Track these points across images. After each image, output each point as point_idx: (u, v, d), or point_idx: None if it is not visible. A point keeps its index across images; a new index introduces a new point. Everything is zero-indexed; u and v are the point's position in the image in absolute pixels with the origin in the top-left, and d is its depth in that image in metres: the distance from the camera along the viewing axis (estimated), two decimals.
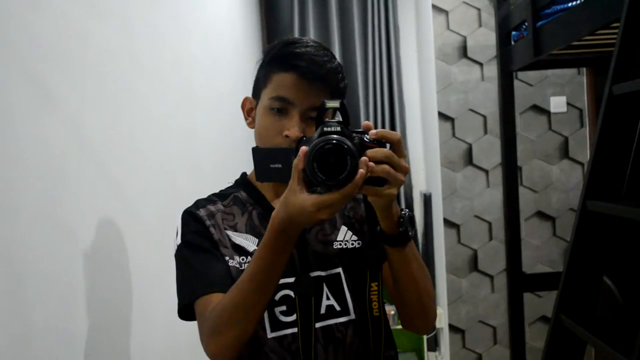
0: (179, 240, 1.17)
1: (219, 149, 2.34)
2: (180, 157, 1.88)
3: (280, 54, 1.14)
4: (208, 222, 1.15)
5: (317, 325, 1.11)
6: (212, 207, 1.18)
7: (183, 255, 1.16)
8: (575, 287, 1.57)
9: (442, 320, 3.91)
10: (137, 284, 1.43)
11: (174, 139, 1.83)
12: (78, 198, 1.16)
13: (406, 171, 0.97)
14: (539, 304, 3.73)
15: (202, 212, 1.17)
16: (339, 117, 1.03)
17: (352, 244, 1.18)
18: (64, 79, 1.12)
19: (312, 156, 0.92)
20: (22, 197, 0.95)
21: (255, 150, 1.06)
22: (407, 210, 1.07)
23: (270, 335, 1.11)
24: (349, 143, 0.92)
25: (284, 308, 1.12)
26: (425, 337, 4.04)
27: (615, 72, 1.54)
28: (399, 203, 4.02)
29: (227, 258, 1.13)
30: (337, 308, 1.14)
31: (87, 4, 1.25)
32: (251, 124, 1.21)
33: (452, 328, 3.83)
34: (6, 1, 0.94)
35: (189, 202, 1.21)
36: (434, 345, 4.14)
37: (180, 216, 1.19)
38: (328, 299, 1.15)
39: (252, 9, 3.93)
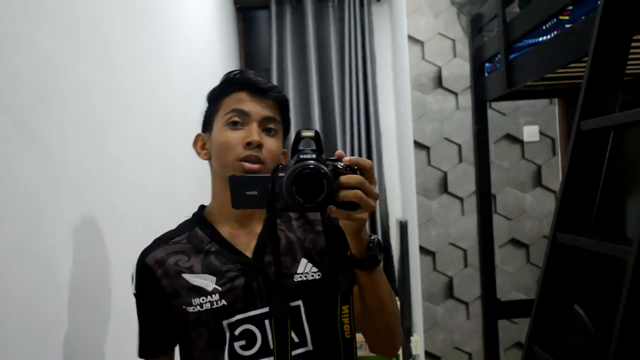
0: (133, 289, 1.22)
1: (194, 179, 2.36)
2: (158, 189, 1.89)
3: (228, 81, 1.24)
4: (159, 273, 1.19)
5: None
6: (160, 253, 1.21)
7: (137, 307, 1.22)
8: (547, 317, 1.60)
9: (418, 347, 3.92)
10: (115, 319, 1.43)
11: (152, 171, 1.84)
12: (55, 232, 1.16)
13: (376, 197, 1.02)
14: (514, 331, 3.76)
15: (150, 262, 1.20)
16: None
17: (312, 276, 1.22)
18: (43, 114, 1.13)
19: (290, 181, 0.98)
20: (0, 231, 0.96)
21: (232, 178, 1.09)
22: (376, 236, 1.12)
23: None
24: (324, 169, 0.98)
25: (243, 343, 1.16)
26: None
27: (583, 109, 1.59)
28: (374, 230, 4.08)
29: (184, 307, 1.16)
30: (296, 340, 1.17)
31: (68, 39, 1.26)
32: (205, 155, 1.26)
33: (429, 355, 3.84)
34: None
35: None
36: None
37: (136, 260, 1.22)
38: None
39: (231, 39, 3.97)
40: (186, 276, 1.18)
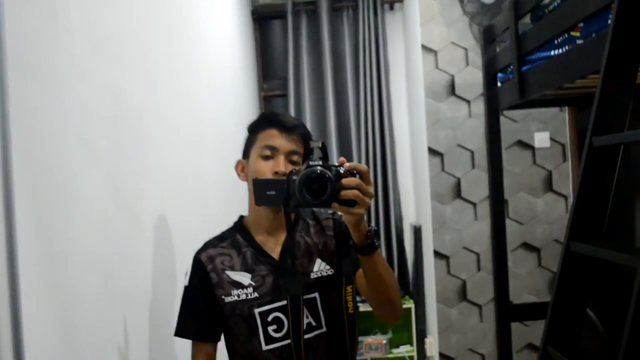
0: (187, 281, 1.51)
1: (222, 189, 2.48)
2: (192, 200, 2.01)
3: (264, 119, 1.53)
4: (208, 268, 1.49)
5: (306, 337, 1.44)
6: (212, 252, 1.52)
7: (187, 296, 1.51)
8: (561, 320, 1.70)
9: (432, 348, 4.02)
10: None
11: (187, 184, 1.96)
12: (113, 241, 1.28)
13: (371, 196, 1.26)
14: (526, 333, 3.86)
15: (204, 258, 1.50)
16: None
17: (326, 273, 1.50)
18: (104, 137, 1.26)
19: (301, 183, 1.23)
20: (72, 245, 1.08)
21: (255, 181, 1.37)
22: (373, 226, 1.42)
23: (265, 348, 1.45)
24: (329, 173, 1.23)
25: (275, 327, 1.46)
26: None
27: (594, 125, 1.69)
28: (389, 235, 4.18)
29: (223, 297, 1.46)
30: (313, 324, 1.47)
31: (121, 68, 1.39)
32: (244, 177, 1.54)
33: (443, 356, 3.95)
34: (56, 73, 1.07)
35: (200, 241, 1.55)
36: None
37: (192, 257, 1.53)
38: (307, 317, 1.46)
39: (249, 49, 4.09)
40: (228, 272, 1.49)
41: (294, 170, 1.32)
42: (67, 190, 1.07)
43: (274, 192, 1.32)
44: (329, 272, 1.50)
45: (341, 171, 1.25)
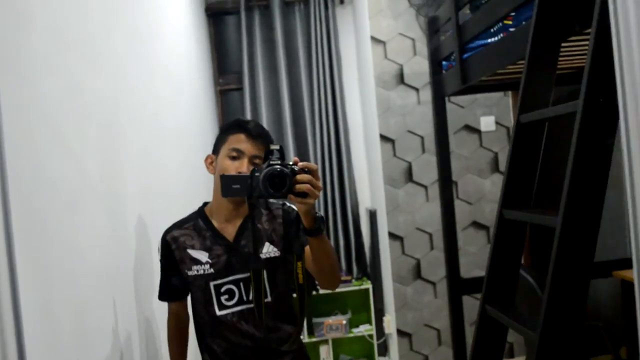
0: (159, 256, 1.84)
1: (184, 175, 2.61)
2: (154, 186, 2.13)
3: (235, 124, 1.77)
4: (173, 247, 1.78)
5: (250, 306, 1.71)
6: (176, 232, 1.80)
7: (161, 268, 1.83)
8: (496, 282, 1.88)
9: (390, 326, 4.21)
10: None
11: (150, 169, 2.08)
12: (84, 224, 1.40)
13: (320, 189, 1.51)
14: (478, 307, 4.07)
15: (169, 239, 1.79)
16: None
17: (273, 254, 1.77)
18: (71, 124, 1.37)
19: (265, 178, 1.49)
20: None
21: (222, 177, 1.60)
22: (320, 212, 1.69)
23: (218, 313, 1.75)
24: (286, 170, 1.48)
25: (227, 297, 1.75)
26: (375, 343, 4.33)
27: (521, 104, 1.87)
28: (345, 219, 4.34)
29: (186, 270, 1.76)
30: None
31: (86, 62, 1.50)
32: (212, 171, 1.80)
33: (400, 333, 4.13)
34: (29, 69, 1.19)
35: (163, 224, 1.82)
36: (383, 350, 4.43)
37: (160, 238, 1.82)
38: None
39: (204, 44, 4.19)
40: (189, 250, 1.77)
41: (255, 169, 1.56)
42: (40, 177, 1.18)
43: (238, 186, 1.56)
44: (276, 254, 1.77)
45: (295, 169, 1.50)
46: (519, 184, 1.87)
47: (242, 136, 1.72)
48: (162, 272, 1.83)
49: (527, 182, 1.87)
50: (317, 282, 1.75)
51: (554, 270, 1.47)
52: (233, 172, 1.68)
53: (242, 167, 1.69)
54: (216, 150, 1.78)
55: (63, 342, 1.21)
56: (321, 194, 4.13)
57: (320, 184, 1.52)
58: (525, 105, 1.87)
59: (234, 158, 1.71)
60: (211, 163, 1.80)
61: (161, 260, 1.82)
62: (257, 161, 1.71)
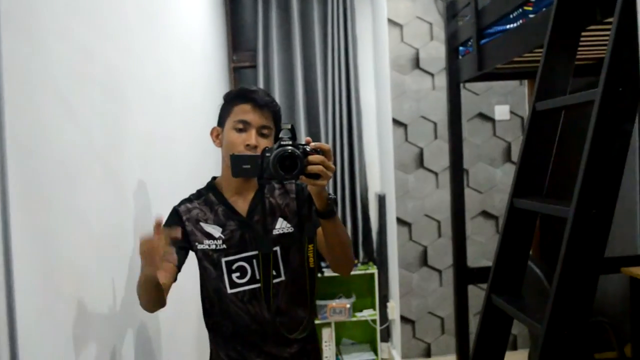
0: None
1: (192, 154, 2.58)
2: (162, 160, 2.11)
3: (239, 93, 1.69)
4: (184, 217, 1.70)
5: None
6: (190, 205, 1.73)
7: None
8: (504, 271, 1.85)
9: (394, 312, 4.20)
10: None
11: (158, 144, 2.06)
12: (85, 190, 1.38)
13: (333, 170, 1.47)
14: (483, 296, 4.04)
15: (182, 209, 1.72)
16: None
17: (287, 230, 1.71)
18: (80, 94, 1.35)
19: (275, 159, 1.44)
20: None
21: (232, 156, 1.54)
22: (333, 194, 1.56)
23: (229, 291, 1.68)
24: (298, 151, 1.44)
25: (238, 274, 1.68)
26: (378, 328, 4.32)
27: (538, 91, 1.83)
28: (354, 204, 4.31)
29: (196, 243, 1.68)
30: (274, 273, 1.68)
31: (96, 30, 1.48)
32: (219, 144, 1.73)
33: (404, 319, 4.12)
34: (37, 32, 1.16)
35: (169, 201, 1.74)
36: (386, 336, 4.42)
37: (170, 210, 1.73)
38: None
39: (219, 21, 4.15)
40: (202, 224, 1.70)
41: (266, 148, 1.52)
42: (40, 139, 1.16)
43: (249, 166, 1.51)
44: (290, 230, 1.71)
45: (307, 149, 1.45)
46: (532, 172, 1.83)
47: (247, 106, 1.65)
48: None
49: (540, 172, 1.83)
50: (327, 265, 1.69)
51: (564, 263, 1.44)
52: (240, 145, 1.61)
53: (250, 139, 1.62)
54: (221, 122, 1.71)
55: (61, 307, 1.20)
56: None
57: (333, 165, 1.47)
58: (542, 93, 1.82)
59: (240, 130, 1.64)
60: (217, 136, 1.73)
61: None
62: (265, 132, 1.65)
